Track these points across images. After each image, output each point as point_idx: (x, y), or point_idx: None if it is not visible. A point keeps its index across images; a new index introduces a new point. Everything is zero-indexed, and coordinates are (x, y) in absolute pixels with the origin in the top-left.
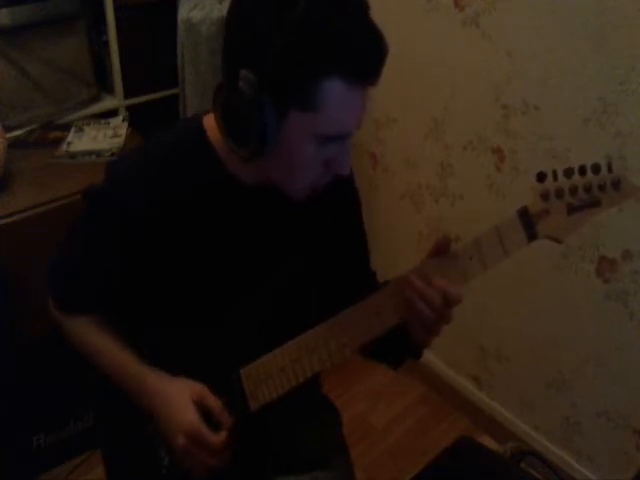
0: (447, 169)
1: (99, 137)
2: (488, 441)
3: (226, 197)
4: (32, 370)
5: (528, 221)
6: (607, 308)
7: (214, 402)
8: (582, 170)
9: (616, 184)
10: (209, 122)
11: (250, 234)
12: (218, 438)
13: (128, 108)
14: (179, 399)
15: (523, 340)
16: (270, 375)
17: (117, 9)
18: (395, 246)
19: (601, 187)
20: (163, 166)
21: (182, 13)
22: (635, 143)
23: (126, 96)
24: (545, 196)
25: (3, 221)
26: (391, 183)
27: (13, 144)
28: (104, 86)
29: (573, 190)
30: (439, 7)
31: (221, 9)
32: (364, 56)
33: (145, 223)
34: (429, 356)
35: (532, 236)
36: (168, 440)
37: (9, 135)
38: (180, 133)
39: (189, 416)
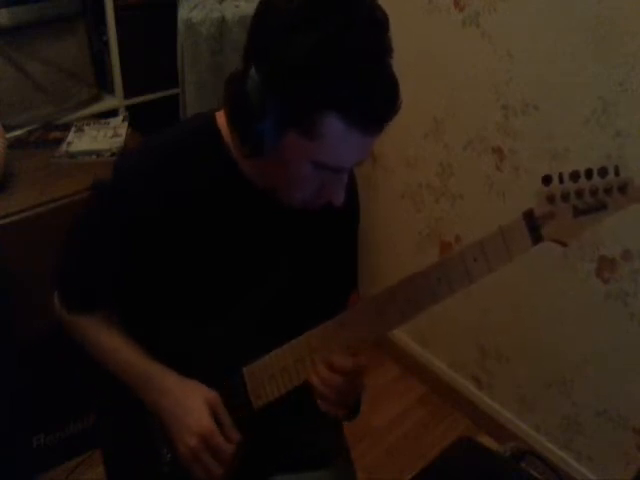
0: (447, 169)
1: (99, 137)
2: (488, 441)
3: (235, 194)
4: (32, 370)
5: (533, 223)
6: (607, 308)
7: (226, 416)
8: (589, 173)
9: (623, 188)
10: (222, 118)
11: (255, 232)
12: (230, 447)
13: (128, 108)
14: (193, 401)
15: (523, 340)
16: (272, 374)
17: (117, 9)
18: (395, 246)
19: (608, 191)
20: (173, 159)
21: (182, 13)
22: (635, 143)
23: (126, 96)
24: (551, 199)
25: (3, 221)
26: (391, 183)
27: (13, 144)
28: (104, 86)
29: (579, 193)
30: (439, 8)
31: (221, 9)
32: (372, 109)
33: (152, 215)
34: (429, 356)
35: (537, 239)
36: (173, 439)
37: (9, 135)
38: (194, 127)
39: (204, 419)
